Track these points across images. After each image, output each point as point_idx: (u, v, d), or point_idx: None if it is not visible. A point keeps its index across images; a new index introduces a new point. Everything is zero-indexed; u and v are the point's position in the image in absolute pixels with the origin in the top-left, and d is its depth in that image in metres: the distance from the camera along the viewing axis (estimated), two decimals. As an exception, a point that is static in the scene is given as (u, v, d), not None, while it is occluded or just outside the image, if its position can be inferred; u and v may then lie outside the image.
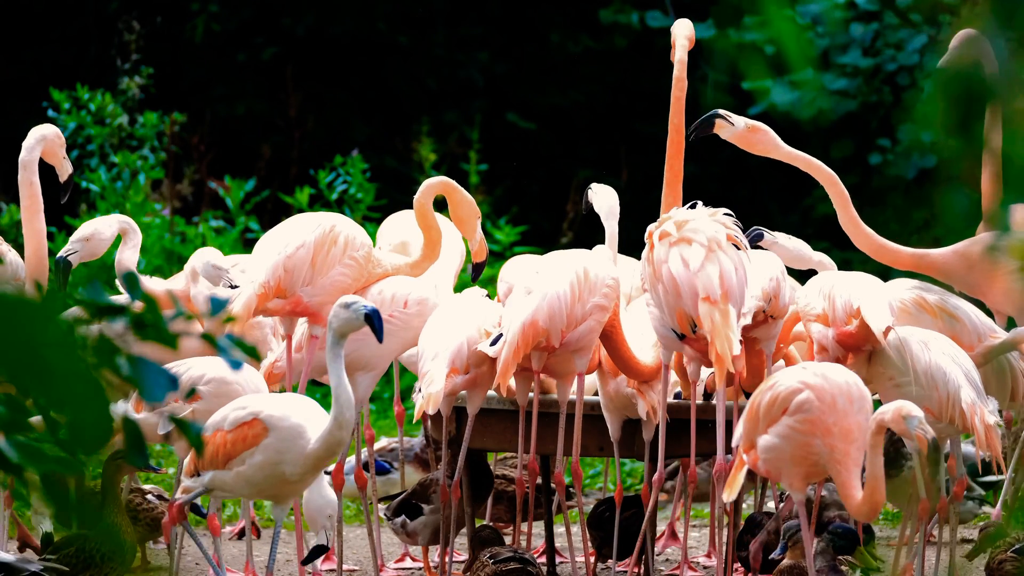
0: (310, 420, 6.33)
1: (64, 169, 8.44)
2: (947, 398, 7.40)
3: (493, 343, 7.47)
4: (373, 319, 6.20)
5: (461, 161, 17.28)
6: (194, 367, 7.28)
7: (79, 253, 8.17)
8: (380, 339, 6.24)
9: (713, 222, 7.17)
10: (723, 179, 18.05)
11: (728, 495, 6.58)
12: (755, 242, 8.15)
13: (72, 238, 8.19)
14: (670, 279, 7.05)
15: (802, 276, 8.34)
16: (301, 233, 7.79)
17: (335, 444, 6.26)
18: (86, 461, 3.15)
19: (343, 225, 7.87)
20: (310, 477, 6.42)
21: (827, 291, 7.50)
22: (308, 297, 7.71)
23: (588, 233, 17.31)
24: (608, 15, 18.78)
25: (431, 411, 7.41)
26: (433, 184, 8.06)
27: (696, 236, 7.09)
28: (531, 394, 7.78)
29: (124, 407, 7.25)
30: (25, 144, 8.39)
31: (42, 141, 8.37)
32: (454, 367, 7.52)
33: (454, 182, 8.15)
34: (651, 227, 7.24)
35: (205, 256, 8.02)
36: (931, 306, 7.91)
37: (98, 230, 8.21)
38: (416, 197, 8.01)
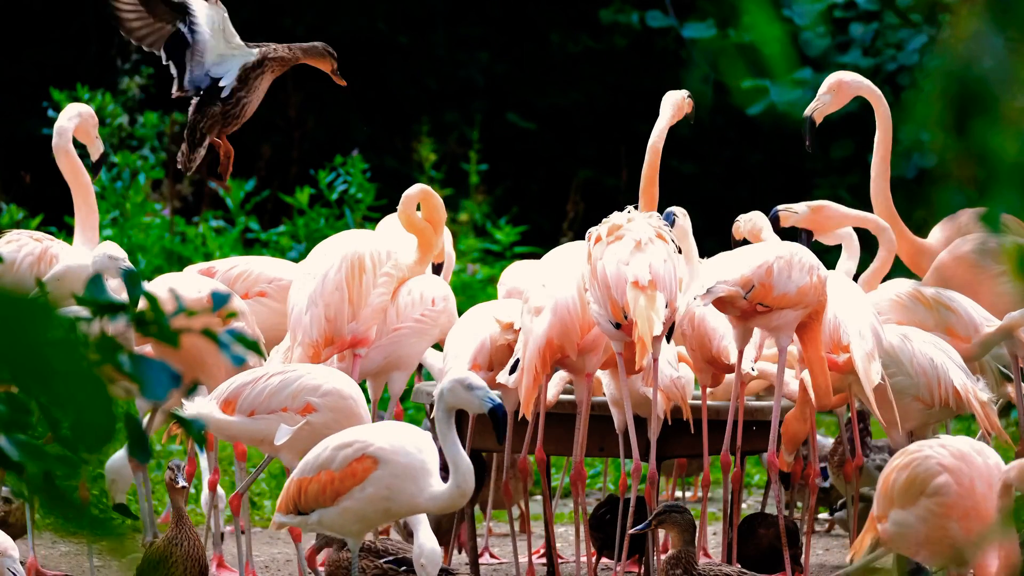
0: (427, 461, 6.09)
1: (96, 148, 8.54)
2: (938, 382, 7.46)
3: (512, 371, 7.49)
4: (498, 414, 5.96)
5: (461, 161, 17.29)
6: (309, 375, 7.03)
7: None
8: (501, 439, 6.12)
9: (645, 224, 7.41)
10: (723, 179, 18.05)
11: (853, 556, 6.53)
12: (774, 223, 8.18)
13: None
14: (603, 271, 7.27)
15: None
16: (328, 273, 7.73)
17: (450, 508, 6.08)
18: (88, 460, 3.16)
19: (363, 244, 7.85)
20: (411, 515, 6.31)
21: None
22: (352, 332, 7.71)
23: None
24: (608, 15, 18.79)
25: None
26: (412, 195, 8.05)
27: (626, 234, 7.34)
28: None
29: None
30: (63, 114, 8.47)
31: (78, 117, 8.43)
32: (475, 363, 7.60)
33: (430, 189, 8.12)
34: (589, 231, 7.47)
35: (101, 249, 7.79)
36: (927, 299, 7.95)
37: (71, 268, 7.91)
38: (399, 211, 8.04)
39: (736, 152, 18.83)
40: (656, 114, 8.23)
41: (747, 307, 7.33)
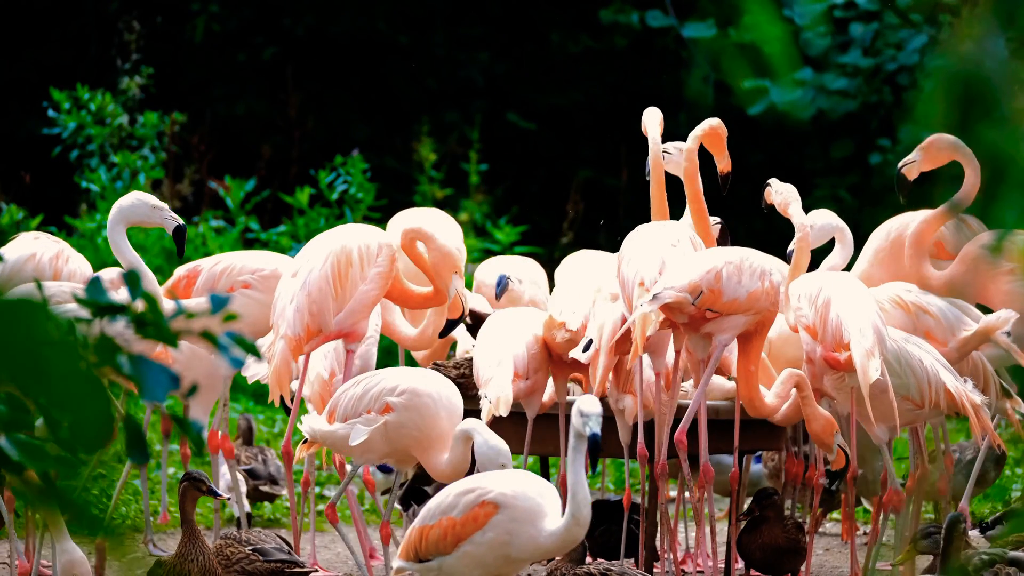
0: (545, 504, 6.06)
1: (167, 226, 8.09)
2: (928, 384, 7.45)
3: (585, 349, 7.56)
4: (596, 442, 5.95)
5: (461, 161, 17.28)
6: (389, 377, 7.09)
7: None
8: (594, 464, 6.07)
9: (674, 229, 7.62)
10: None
11: None
12: (901, 182, 8.15)
13: None
14: (622, 271, 7.52)
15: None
16: (315, 269, 7.70)
17: (571, 540, 6.00)
18: (87, 460, 3.16)
19: (353, 239, 7.77)
20: (533, 561, 6.24)
21: (819, 306, 7.45)
22: (339, 325, 7.70)
23: (588, 233, 17.33)
24: (608, 15, 18.79)
25: (503, 413, 7.47)
26: (407, 233, 7.89)
27: (652, 237, 7.58)
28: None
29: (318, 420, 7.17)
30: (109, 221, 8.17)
31: (121, 220, 8.12)
32: (517, 372, 7.63)
33: (429, 230, 7.89)
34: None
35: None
36: (906, 303, 7.95)
37: None
38: (399, 247, 7.99)
39: (736, 152, 18.80)
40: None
41: (696, 313, 7.31)
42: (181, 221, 7.92)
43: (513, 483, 6.08)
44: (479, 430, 6.66)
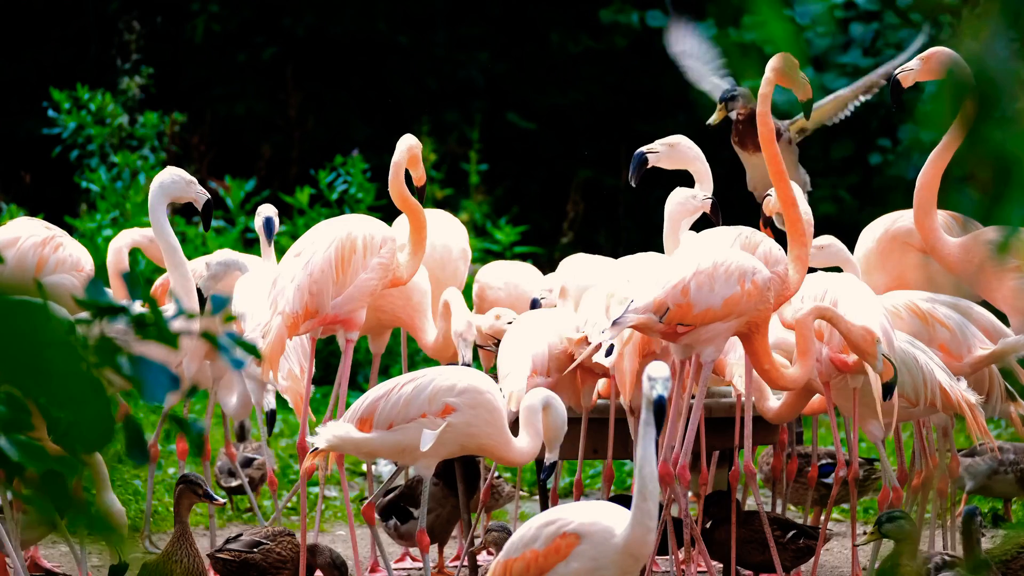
0: (616, 519, 6.00)
1: (198, 200, 8.22)
2: (923, 381, 7.41)
3: (608, 354, 7.30)
4: (661, 405, 5.82)
5: (461, 161, 17.28)
6: (441, 376, 6.97)
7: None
8: (659, 428, 6.04)
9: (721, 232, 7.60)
10: (723, 179, 18.03)
11: None
12: (896, 87, 7.93)
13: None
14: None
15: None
16: (319, 251, 7.73)
17: (647, 518, 5.87)
18: (86, 461, 3.16)
19: (358, 227, 7.83)
20: (630, 571, 6.12)
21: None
22: (336, 309, 7.70)
23: (588, 233, 17.33)
24: (608, 15, 18.79)
25: (513, 407, 7.39)
26: (399, 162, 8.18)
27: (687, 244, 7.62)
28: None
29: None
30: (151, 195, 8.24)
31: (164, 196, 8.15)
32: (535, 369, 7.58)
33: (409, 144, 8.34)
34: None
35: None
36: (923, 312, 7.89)
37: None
38: (391, 185, 8.12)
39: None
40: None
41: (666, 329, 7.00)
42: (208, 195, 8.14)
43: (588, 512, 6.05)
44: (547, 399, 6.75)
